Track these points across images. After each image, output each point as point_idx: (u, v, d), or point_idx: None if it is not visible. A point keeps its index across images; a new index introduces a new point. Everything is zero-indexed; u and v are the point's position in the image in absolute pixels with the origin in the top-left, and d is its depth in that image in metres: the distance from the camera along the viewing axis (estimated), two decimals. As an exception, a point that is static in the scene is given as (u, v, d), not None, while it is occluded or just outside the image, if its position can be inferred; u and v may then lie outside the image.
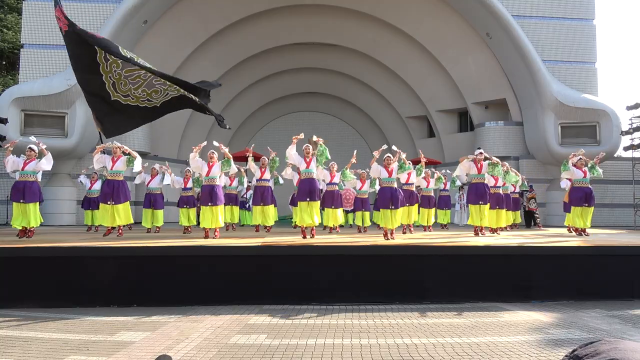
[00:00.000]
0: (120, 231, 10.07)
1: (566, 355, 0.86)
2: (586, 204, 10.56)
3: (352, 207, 13.50)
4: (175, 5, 16.71)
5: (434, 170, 14.11)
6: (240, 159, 18.06)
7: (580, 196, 10.59)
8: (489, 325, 5.85)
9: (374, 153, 9.49)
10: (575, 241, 9.21)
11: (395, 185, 9.42)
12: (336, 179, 11.57)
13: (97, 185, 12.45)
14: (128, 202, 9.58)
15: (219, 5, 17.42)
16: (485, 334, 5.41)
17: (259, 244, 7.95)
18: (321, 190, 10.70)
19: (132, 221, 9.42)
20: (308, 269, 7.54)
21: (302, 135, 9.24)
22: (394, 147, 9.89)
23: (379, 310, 6.70)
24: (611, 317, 6.34)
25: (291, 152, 9.08)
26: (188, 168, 11.31)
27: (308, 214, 9.04)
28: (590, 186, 10.66)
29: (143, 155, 16.96)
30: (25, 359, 4.49)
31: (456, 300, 7.26)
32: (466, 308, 6.92)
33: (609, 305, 7.08)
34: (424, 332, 5.45)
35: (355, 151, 10.77)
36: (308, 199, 9.10)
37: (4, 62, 26.94)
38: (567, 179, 11.50)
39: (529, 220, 15.84)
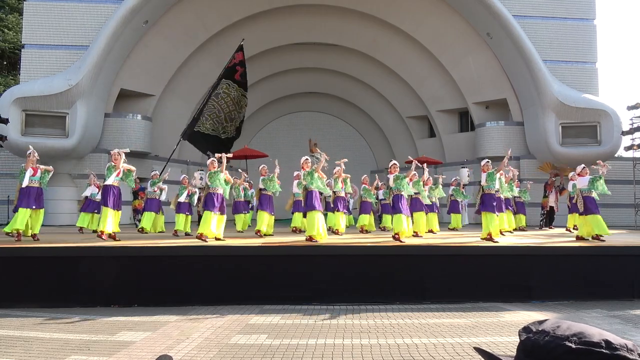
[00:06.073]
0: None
1: (524, 331, 0.81)
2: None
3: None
4: (175, 5, 16.71)
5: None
6: (240, 157, 18.09)
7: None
8: (489, 325, 5.85)
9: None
10: (575, 241, 9.20)
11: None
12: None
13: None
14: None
15: (219, 5, 17.42)
16: (486, 334, 5.41)
17: (259, 244, 7.96)
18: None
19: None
20: (308, 269, 7.55)
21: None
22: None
23: (379, 310, 6.70)
24: (612, 317, 6.34)
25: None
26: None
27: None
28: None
29: (143, 155, 17.02)
30: (27, 359, 4.50)
31: (456, 300, 7.26)
32: (466, 308, 6.92)
33: (609, 305, 7.08)
34: (424, 332, 5.46)
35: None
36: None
37: (5, 63, 26.96)
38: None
39: (552, 218, 15.21)
